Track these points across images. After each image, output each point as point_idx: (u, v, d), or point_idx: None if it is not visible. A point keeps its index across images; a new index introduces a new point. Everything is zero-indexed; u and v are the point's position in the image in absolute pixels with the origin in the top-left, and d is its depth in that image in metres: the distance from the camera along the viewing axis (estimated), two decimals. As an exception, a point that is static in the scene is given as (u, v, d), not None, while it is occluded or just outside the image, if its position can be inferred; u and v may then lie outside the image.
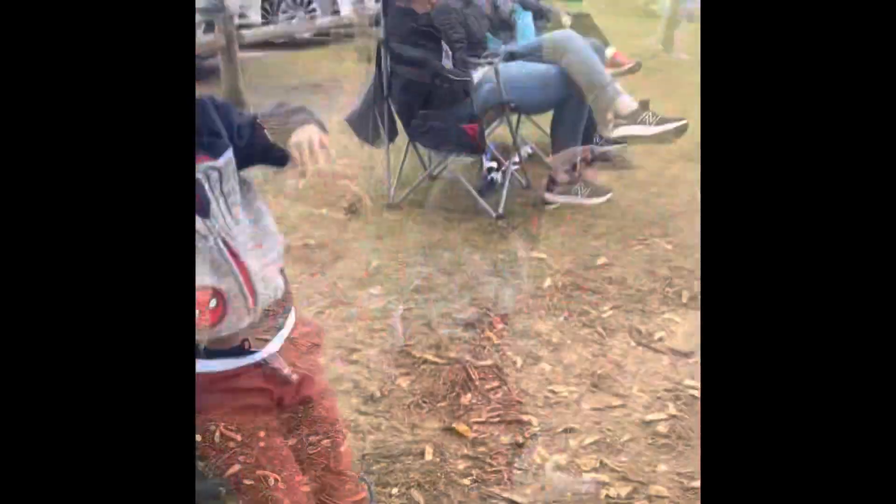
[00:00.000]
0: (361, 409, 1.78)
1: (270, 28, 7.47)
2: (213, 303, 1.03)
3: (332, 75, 6.64)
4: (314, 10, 8.43)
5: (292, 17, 8.39)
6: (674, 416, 1.73)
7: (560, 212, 2.99)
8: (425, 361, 1.97)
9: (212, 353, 1.06)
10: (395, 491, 1.52)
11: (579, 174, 3.05)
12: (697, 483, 1.50)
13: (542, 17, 3.67)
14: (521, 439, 1.68)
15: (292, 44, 8.41)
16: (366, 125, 3.17)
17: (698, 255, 2.55)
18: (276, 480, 1.09)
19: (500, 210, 2.95)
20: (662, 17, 9.51)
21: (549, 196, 3.08)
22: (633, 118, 2.75)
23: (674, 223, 2.82)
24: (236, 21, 5.44)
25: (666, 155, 3.67)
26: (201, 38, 5.00)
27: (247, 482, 1.09)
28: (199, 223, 1.02)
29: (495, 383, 1.89)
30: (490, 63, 2.79)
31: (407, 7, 2.97)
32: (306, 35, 8.48)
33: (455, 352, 2.02)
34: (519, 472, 1.58)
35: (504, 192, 3.02)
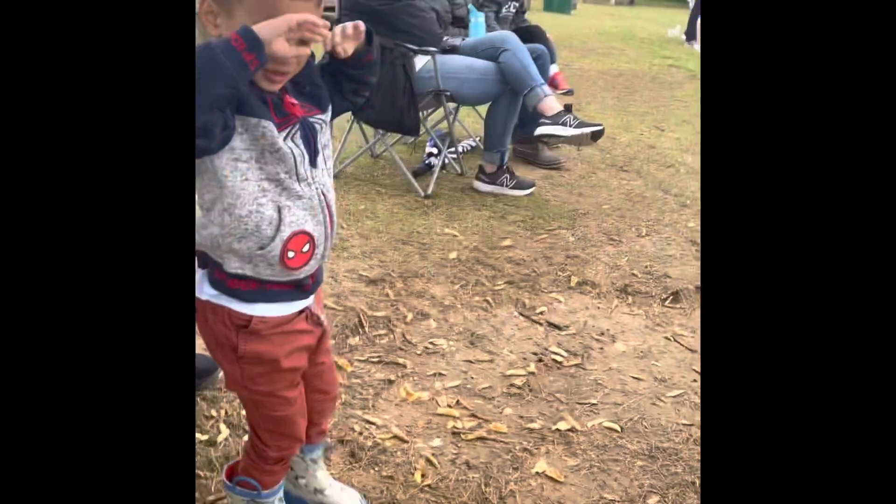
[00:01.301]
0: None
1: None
2: (305, 247, 1.08)
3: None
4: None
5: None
6: (531, 374, 1.97)
7: (483, 198, 3.23)
8: (324, 307, 2.18)
9: (274, 298, 1.11)
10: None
11: (507, 166, 3.29)
12: (535, 424, 1.74)
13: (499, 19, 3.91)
14: (393, 377, 1.90)
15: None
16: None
17: (595, 247, 2.80)
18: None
19: (429, 191, 3.18)
20: (690, 6, 10.15)
21: (477, 184, 3.32)
22: (555, 119, 2.99)
23: (582, 220, 3.06)
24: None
25: (599, 163, 3.93)
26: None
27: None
28: (308, 171, 1.06)
29: (383, 331, 2.11)
30: (430, 53, 3.00)
31: None
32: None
33: (353, 302, 2.23)
34: (383, 401, 1.80)
35: (435, 176, 3.25)
